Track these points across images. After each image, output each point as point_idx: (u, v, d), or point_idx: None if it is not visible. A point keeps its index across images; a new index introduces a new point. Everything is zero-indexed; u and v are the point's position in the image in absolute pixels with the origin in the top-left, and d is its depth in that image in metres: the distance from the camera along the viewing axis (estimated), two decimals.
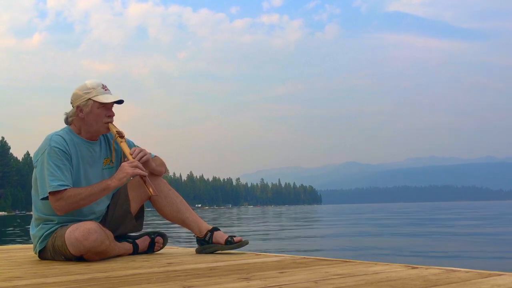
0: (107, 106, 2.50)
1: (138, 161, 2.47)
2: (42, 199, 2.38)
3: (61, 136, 2.45)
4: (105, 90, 2.51)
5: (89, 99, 2.47)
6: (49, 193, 2.33)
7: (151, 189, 2.46)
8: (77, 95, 2.49)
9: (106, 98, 2.47)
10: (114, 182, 2.43)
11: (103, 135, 2.62)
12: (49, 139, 2.42)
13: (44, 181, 2.36)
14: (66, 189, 2.34)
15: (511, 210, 34.79)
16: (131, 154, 2.50)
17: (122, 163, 2.48)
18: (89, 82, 2.52)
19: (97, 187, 2.42)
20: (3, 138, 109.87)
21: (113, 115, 2.55)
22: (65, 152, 2.41)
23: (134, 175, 2.45)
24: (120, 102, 2.52)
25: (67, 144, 2.44)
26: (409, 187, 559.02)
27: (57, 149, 2.39)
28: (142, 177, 2.46)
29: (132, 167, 2.43)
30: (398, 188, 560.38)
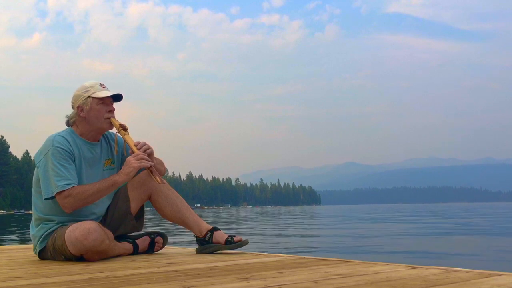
0: (106, 102, 2.52)
1: (143, 152, 2.50)
2: (46, 199, 2.39)
3: (63, 137, 2.46)
4: (103, 87, 2.53)
5: (88, 97, 2.49)
6: (57, 192, 2.34)
7: (158, 179, 2.52)
8: (77, 96, 2.52)
9: (104, 94, 2.50)
10: (121, 177, 2.46)
11: (103, 136, 2.63)
12: (52, 139, 2.43)
13: (49, 182, 2.37)
14: (73, 186, 2.36)
15: (511, 211, 34.80)
16: (136, 146, 2.52)
17: (128, 158, 2.50)
18: (87, 82, 2.56)
19: (105, 183, 2.44)
20: (2, 137, 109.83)
21: (114, 110, 2.57)
22: (69, 153, 2.42)
23: (140, 168, 2.47)
24: (118, 97, 2.55)
25: (70, 145, 2.45)
26: (408, 188, 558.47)
27: (61, 149, 2.40)
28: (148, 168, 2.49)
29: (137, 160, 2.45)
30: (397, 189, 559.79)
